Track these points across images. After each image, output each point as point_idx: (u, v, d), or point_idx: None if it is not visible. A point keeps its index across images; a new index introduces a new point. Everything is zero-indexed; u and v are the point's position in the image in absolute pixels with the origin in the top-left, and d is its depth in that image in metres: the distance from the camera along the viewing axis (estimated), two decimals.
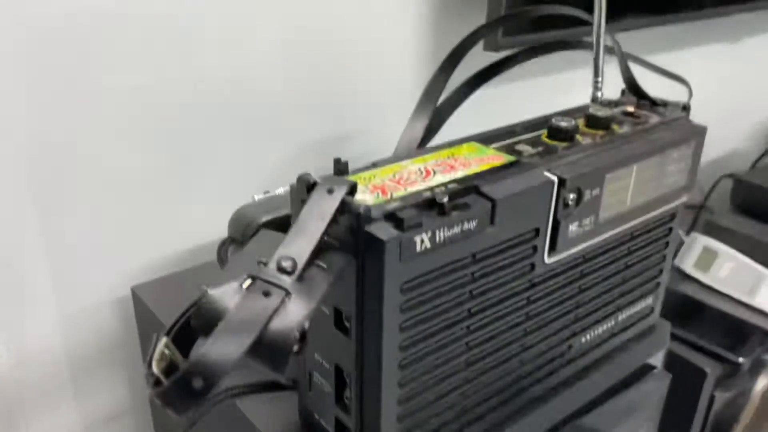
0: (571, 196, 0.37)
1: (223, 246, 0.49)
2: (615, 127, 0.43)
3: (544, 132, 0.42)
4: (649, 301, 0.50)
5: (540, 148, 0.40)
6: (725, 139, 1.27)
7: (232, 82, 0.59)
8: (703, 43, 1.09)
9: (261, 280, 0.28)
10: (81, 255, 0.56)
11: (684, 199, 0.47)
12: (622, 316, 0.48)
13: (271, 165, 0.65)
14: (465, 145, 0.40)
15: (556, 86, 0.89)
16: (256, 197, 0.47)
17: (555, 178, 0.36)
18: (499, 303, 0.37)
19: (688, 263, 0.88)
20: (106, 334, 0.61)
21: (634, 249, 0.45)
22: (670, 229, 0.48)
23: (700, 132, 0.45)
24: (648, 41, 0.97)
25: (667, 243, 0.48)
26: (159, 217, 0.60)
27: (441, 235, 0.32)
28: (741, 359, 0.73)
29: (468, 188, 0.34)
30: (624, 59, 0.47)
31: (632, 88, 0.48)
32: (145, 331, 0.58)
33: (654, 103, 0.47)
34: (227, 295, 0.27)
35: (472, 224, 0.33)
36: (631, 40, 0.88)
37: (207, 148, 0.60)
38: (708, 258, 0.86)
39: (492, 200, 0.34)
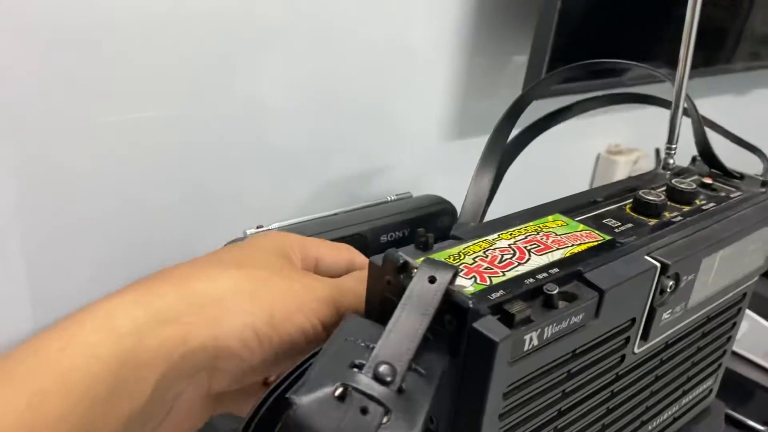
0: (670, 282, 0.34)
1: None
2: (698, 201, 0.40)
3: (627, 203, 0.39)
4: (709, 382, 0.46)
5: (629, 225, 0.36)
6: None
7: (255, 117, 0.55)
8: (712, 95, 1.08)
9: (356, 390, 0.24)
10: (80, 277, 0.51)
11: (756, 278, 0.44)
12: (685, 400, 0.44)
13: (293, 201, 0.61)
14: (551, 218, 0.36)
15: (571, 131, 0.86)
16: (249, 232, 0.42)
17: (657, 264, 0.33)
18: (586, 400, 0.33)
19: None
20: None
21: (708, 332, 0.42)
22: (739, 310, 0.45)
23: None
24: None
25: (734, 323, 0.45)
26: (174, 251, 0.55)
27: (549, 331, 0.28)
28: None
29: (571, 275, 0.30)
30: (700, 124, 0.44)
31: (707, 156, 0.45)
32: None
33: (729, 174, 0.44)
34: (319, 408, 0.23)
35: (579, 317, 0.29)
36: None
37: (227, 182, 0.56)
38: None
39: (599, 290, 0.30)
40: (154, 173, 0.51)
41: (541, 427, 0.31)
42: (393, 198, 0.50)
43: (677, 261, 0.34)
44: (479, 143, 0.42)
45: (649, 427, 0.41)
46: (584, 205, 0.38)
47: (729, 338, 0.46)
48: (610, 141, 0.92)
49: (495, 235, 0.33)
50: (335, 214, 0.45)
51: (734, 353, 0.83)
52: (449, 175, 0.72)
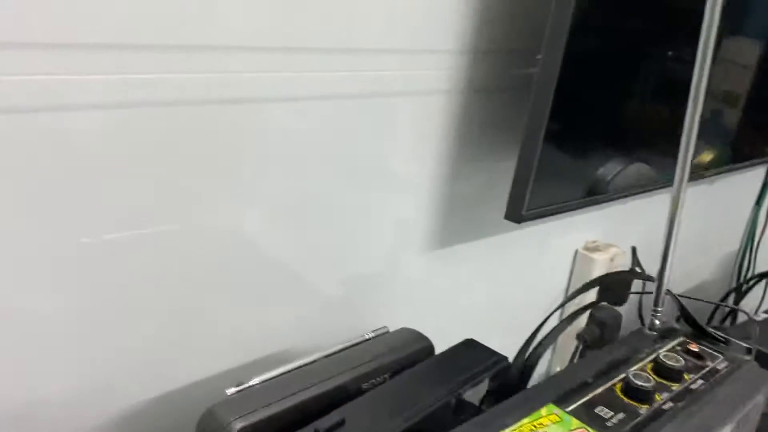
0: None
1: None
2: (686, 377, 0.41)
3: (617, 383, 0.39)
4: None
5: (621, 415, 0.36)
6: (700, 268, 1.29)
7: (229, 245, 0.54)
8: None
9: None
10: None
11: None
12: None
13: (269, 331, 0.59)
14: (544, 411, 0.36)
15: (549, 227, 0.87)
16: (228, 392, 0.41)
17: None
18: None
19: None
20: None
21: None
22: None
23: None
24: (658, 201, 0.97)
25: None
26: (149, 390, 0.53)
27: None
28: None
29: None
30: (677, 299, 0.45)
31: (688, 319, 0.46)
32: None
33: (713, 338, 0.45)
34: None
35: None
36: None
37: (205, 315, 0.54)
38: None
39: None
40: (128, 304, 0.49)
41: None
42: (370, 335, 0.49)
43: None
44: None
45: None
46: (575, 389, 0.38)
47: None
48: (587, 236, 0.93)
49: None
50: (314, 361, 0.45)
51: None
52: (426, 289, 0.71)
